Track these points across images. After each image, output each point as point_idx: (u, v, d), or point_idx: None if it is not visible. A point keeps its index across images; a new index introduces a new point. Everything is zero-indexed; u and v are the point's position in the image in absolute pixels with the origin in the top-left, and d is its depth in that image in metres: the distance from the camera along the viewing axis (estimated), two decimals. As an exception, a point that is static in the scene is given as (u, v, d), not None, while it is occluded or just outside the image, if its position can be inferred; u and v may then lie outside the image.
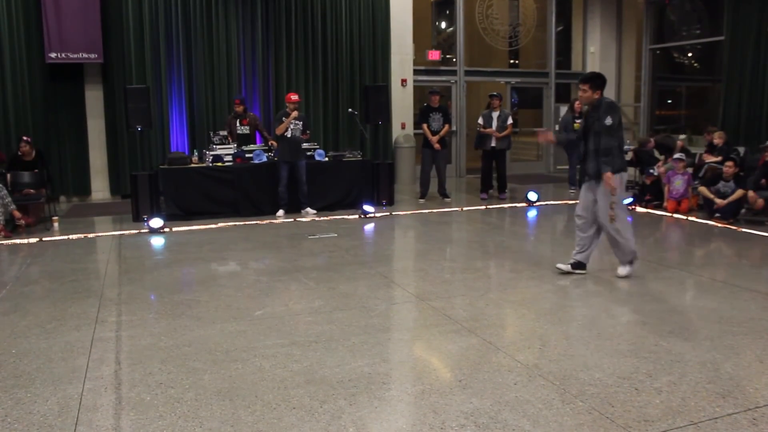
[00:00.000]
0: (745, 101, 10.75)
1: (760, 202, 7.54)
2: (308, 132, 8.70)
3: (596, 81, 4.94)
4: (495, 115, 9.77)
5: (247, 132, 9.24)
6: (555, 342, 3.79)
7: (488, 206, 9.25)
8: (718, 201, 7.80)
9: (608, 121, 4.83)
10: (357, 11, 11.61)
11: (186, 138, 10.68)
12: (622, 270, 5.20)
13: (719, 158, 8.89)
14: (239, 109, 9.18)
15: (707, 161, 9.04)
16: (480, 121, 9.86)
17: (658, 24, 13.58)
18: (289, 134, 8.42)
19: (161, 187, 8.45)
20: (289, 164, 8.48)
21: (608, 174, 4.87)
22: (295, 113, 8.40)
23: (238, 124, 9.20)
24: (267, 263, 5.97)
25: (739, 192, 7.70)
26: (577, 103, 10.94)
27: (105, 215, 9.03)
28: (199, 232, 7.59)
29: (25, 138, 8.63)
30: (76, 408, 3.01)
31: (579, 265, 5.34)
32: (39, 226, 7.99)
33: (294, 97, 8.65)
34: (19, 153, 8.48)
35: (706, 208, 8.17)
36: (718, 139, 9.28)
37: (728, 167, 7.97)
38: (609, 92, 13.79)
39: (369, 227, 7.85)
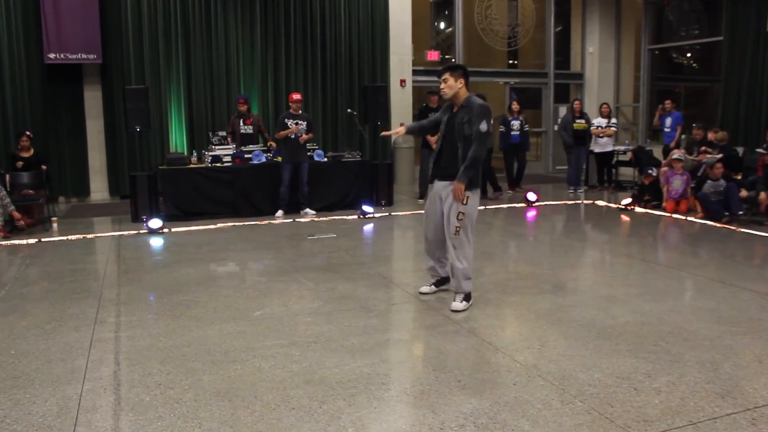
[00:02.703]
0: (744, 101, 10.76)
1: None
2: (309, 134, 8.69)
3: (458, 69, 4.33)
4: None
5: (251, 132, 9.25)
6: (554, 342, 3.79)
7: (487, 206, 9.25)
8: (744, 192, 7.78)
9: (483, 126, 4.17)
10: (356, 11, 11.61)
11: (185, 138, 10.69)
12: (457, 305, 4.36)
13: (719, 155, 8.89)
14: (243, 108, 9.18)
15: (704, 161, 9.04)
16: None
17: (657, 24, 13.59)
18: (292, 135, 8.44)
19: (160, 187, 8.45)
20: (293, 165, 8.48)
21: (461, 186, 4.22)
22: (295, 128, 8.41)
23: (241, 124, 9.19)
24: (266, 264, 5.97)
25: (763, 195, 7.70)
26: (576, 102, 10.98)
27: (104, 216, 9.03)
28: (198, 232, 7.58)
29: (27, 132, 8.68)
30: (75, 409, 3.00)
31: (442, 281, 4.80)
32: (38, 226, 7.98)
33: (296, 96, 8.68)
34: (19, 146, 8.52)
35: (707, 213, 8.06)
36: (721, 139, 9.29)
37: (717, 169, 7.98)
38: (608, 93, 13.91)
39: (368, 228, 7.85)
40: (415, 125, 4.93)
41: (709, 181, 8.03)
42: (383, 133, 5.20)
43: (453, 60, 13.28)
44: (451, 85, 4.30)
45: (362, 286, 5.08)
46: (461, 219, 4.32)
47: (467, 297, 4.45)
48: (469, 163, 4.20)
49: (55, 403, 3.07)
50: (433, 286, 4.84)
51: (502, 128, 10.84)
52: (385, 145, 11.85)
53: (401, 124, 4.76)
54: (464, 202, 4.28)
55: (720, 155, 8.88)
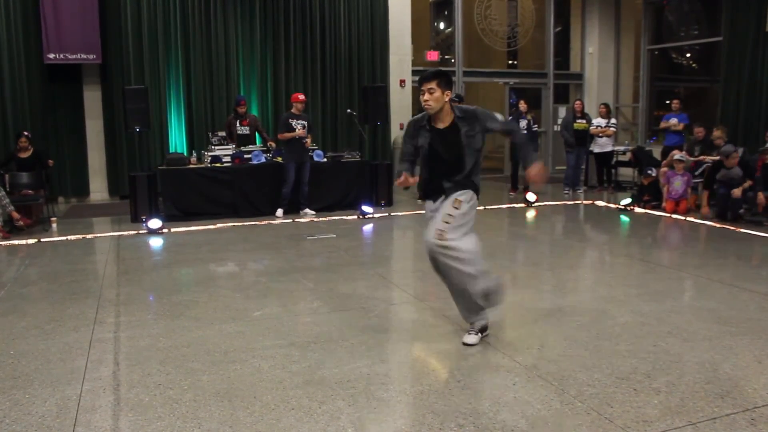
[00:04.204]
0: (743, 102, 10.76)
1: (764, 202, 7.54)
2: (310, 135, 8.69)
3: (444, 78, 3.67)
4: None
5: (247, 132, 9.25)
6: (554, 342, 3.79)
7: (487, 207, 9.25)
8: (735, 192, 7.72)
9: (500, 116, 3.87)
10: (356, 11, 11.61)
11: (184, 139, 10.69)
12: (471, 338, 3.75)
13: (717, 158, 8.88)
14: (243, 110, 9.17)
15: (706, 161, 9.04)
16: None
17: (657, 24, 13.60)
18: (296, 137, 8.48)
19: (160, 187, 8.45)
20: (297, 165, 8.49)
21: (540, 167, 3.83)
22: (302, 131, 8.43)
23: (238, 125, 9.19)
24: (266, 264, 5.97)
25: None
26: (578, 103, 10.97)
27: (103, 216, 9.03)
28: (198, 232, 7.58)
29: (25, 132, 8.65)
30: (74, 409, 3.00)
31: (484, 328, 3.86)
32: (37, 227, 7.98)
33: (301, 96, 8.66)
34: (18, 147, 8.50)
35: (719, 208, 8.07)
36: (718, 137, 9.29)
37: (733, 158, 7.85)
38: (607, 93, 13.91)
39: (368, 228, 7.85)
40: (408, 165, 3.93)
41: (723, 170, 7.88)
42: (398, 183, 3.92)
43: (452, 60, 13.28)
44: (438, 98, 3.63)
45: (362, 287, 5.07)
46: (450, 222, 3.66)
47: (483, 329, 3.83)
48: (527, 144, 3.98)
49: (54, 403, 3.07)
50: (477, 335, 3.83)
51: None
52: (385, 146, 11.85)
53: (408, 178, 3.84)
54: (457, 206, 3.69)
55: (718, 157, 8.86)
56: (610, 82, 14.17)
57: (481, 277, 3.65)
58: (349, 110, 10.53)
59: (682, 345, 3.72)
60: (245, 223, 8.04)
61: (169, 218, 8.12)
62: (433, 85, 3.62)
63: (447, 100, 3.68)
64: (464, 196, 3.72)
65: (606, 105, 11.10)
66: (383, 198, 9.36)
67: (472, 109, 3.80)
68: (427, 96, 3.65)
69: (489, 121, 3.74)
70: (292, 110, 8.58)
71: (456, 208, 3.68)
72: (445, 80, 3.66)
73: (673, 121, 10.46)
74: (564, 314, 4.33)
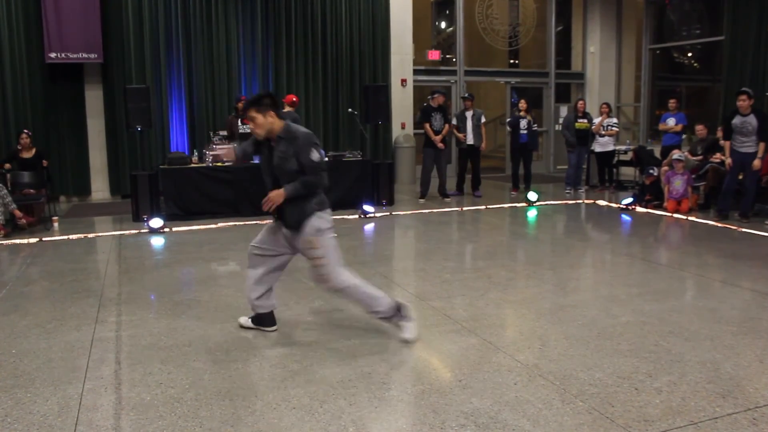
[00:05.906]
0: (745, 101, 10.74)
1: None
2: None
3: (263, 101, 3.66)
4: (469, 114, 10.05)
5: (249, 131, 9.23)
6: (555, 342, 3.79)
7: (488, 206, 9.25)
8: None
9: (314, 156, 3.67)
10: (357, 11, 11.61)
11: (186, 138, 10.70)
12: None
13: (719, 159, 8.86)
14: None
15: (709, 161, 9.02)
16: (453, 122, 10.09)
17: (658, 24, 13.58)
18: None
19: (161, 187, 8.46)
20: None
21: (280, 194, 3.69)
22: None
23: (239, 124, 9.19)
24: (267, 263, 5.96)
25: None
26: (580, 102, 10.96)
27: (105, 215, 9.04)
28: (199, 232, 7.59)
29: (25, 131, 8.62)
30: (76, 408, 3.00)
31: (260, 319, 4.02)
32: (39, 226, 7.99)
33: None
34: (18, 147, 8.49)
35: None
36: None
37: (743, 101, 7.62)
38: (609, 92, 13.89)
39: (369, 227, 7.84)
40: (240, 152, 4.14)
41: (737, 117, 7.68)
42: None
43: (454, 59, 13.27)
44: (261, 124, 3.67)
45: (363, 286, 5.06)
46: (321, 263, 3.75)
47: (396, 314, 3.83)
48: (300, 184, 3.70)
49: (56, 402, 3.07)
50: (249, 320, 4.08)
51: (509, 129, 10.84)
52: (386, 145, 11.85)
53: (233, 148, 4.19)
54: (315, 246, 3.72)
55: (719, 158, 8.85)
56: (612, 82, 14.16)
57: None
58: (350, 109, 10.54)
59: (684, 344, 3.71)
60: (246, 222, 8.04)
61: (171, 217, 8.13)
62: (252, 113, 3.68)
63: (272, 120, 3.68)
64: (309, 231, 3.75)
65: (607, 104, 11.08)
66: (384, 197, 9.36)
67: (300, 132, 3.70)
68: (251, 125, 3.74)
69: (304, 150, 3.64)
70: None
71: (315, 248, 3.73)
72: (265, 104, 3.67)
73: (671, 122, 10.45)
74: (565, 313, 4.32)
